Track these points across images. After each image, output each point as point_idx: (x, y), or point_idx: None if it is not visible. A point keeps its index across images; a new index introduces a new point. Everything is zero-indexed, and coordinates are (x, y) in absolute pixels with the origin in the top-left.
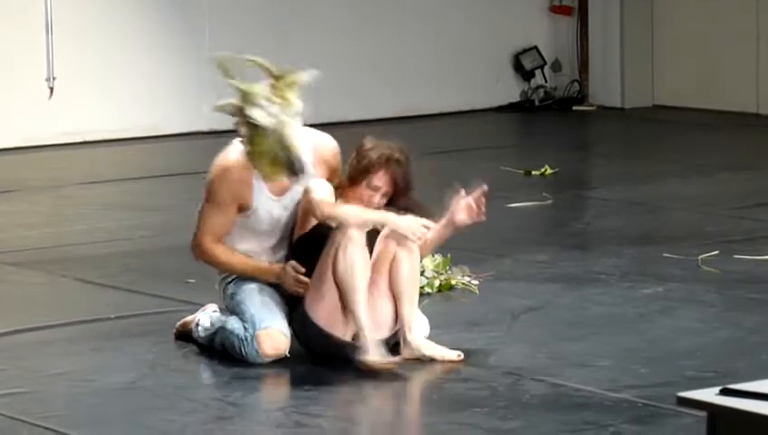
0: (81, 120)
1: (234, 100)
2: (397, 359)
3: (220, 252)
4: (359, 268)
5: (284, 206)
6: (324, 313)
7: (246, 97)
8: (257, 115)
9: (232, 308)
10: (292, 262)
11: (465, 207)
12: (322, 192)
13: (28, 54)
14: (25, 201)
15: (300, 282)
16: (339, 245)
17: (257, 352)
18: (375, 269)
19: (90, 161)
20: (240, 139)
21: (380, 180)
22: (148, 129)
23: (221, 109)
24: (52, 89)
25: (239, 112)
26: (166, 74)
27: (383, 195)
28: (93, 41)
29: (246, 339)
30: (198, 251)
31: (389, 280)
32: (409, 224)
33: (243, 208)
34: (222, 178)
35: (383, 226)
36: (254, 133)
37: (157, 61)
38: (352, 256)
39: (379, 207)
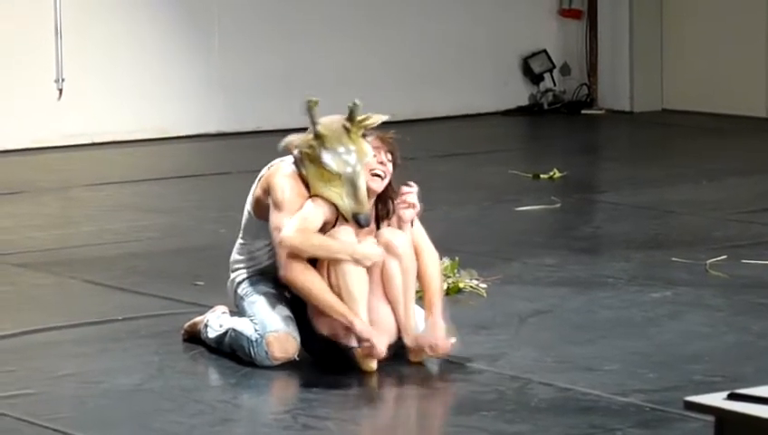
0: (90, 121)
1: (309, 137)
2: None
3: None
4: (353, 276)
5: None
6: (327, 323)
7: (324, 141)
8: (332, 163)
9: (242, 310)
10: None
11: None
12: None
13: (37, 56)
14: (33, 203)
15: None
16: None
17: (266, 355)
18: (369, 276)
19: (98, 163)
20: (295, 170)
21: (376, 142)
22: (156, 131)
23: (289, 145)
24: (60, 90)
25: (310, 155)
26: (174, 76)
27: (388, 159)
28: (102, 43)
29: (256, 341)
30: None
31: (383, 289)
32: (365, 252)
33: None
34: (287, 184)
35: (348, 256)
36: (323, 173)
37: (165, 63)
38: (344, 270)
39: (389, 173)
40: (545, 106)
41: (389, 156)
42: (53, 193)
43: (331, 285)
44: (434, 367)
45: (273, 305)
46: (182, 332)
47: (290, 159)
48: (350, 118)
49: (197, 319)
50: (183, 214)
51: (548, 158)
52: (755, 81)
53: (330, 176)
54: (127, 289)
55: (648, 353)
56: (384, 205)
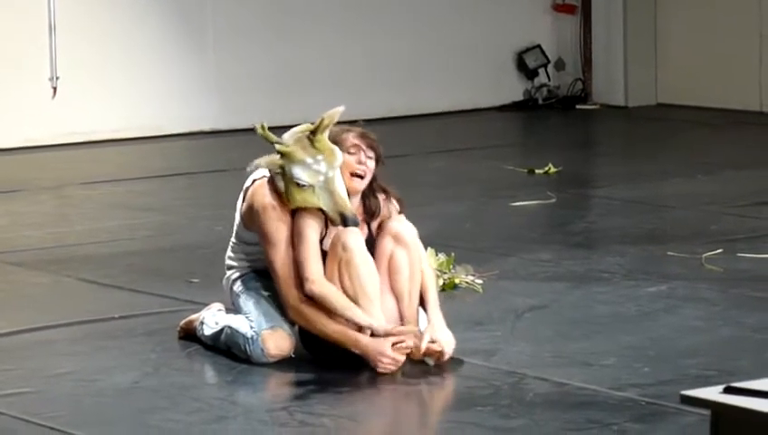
0: (85, 120)
1: (275, 158)
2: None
3: (328, 290)
4: (366, 276)
5: None
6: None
7: (290, 157)
8: (303, 176)
9: (238, 307)
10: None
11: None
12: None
13: (31, 54)
14: (29, 201)
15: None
16: (344, 259)
17: (262, 352)
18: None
19: (93, 161)
20: (271, 188)
21: (356, 140)
22: (151, 129)
23: (266, 164)
24: (55, 89)
25: (282, 171)
26: (169, 74)
27: (369, 156)
28: (97, 41)
29: (252, 338)
30: (311, 290)
31: (389, 280)
32: (377, 348)
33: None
34: (268, 215)
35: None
36: (297, 189)
37: (160, 61)
38: (358, 266)
39: (370, 172)
40: (540, 101)
41: (371, 153)
42: (48, 191)
43: (343, 289)
44: (430, 362)
45: (268, 303)
46: (178, 329)
47: (266, 174)
48: (315, 129)
49: (193, 317)
50: (178, 212)
51: (543, 153)
52: (749, 75)
53: (305, 189)
54: (122, 287)
55: (643, 348)
56: (370, 202)
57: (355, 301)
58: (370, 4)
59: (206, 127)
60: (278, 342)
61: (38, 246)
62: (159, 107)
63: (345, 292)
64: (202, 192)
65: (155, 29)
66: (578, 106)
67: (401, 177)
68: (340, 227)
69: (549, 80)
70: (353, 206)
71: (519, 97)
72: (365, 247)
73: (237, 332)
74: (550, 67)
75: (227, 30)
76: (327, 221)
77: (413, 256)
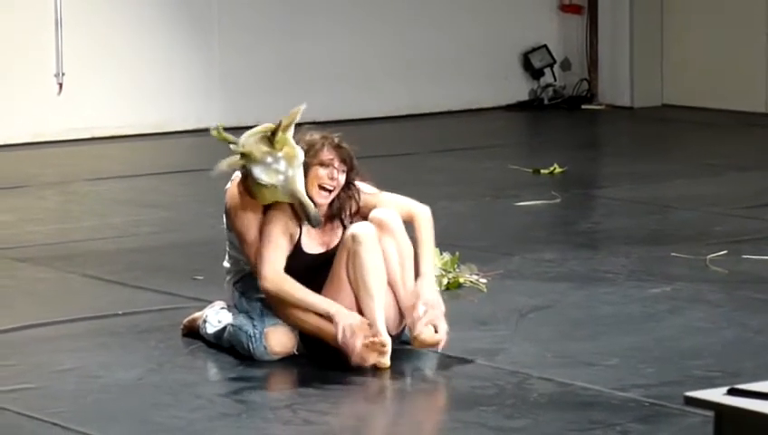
0: (90, 116)
1: (236, 159)
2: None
3: (285, 285)
4: (371, 272)
5: None
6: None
7: (250, 158)
8: (263, 175)
9: (241, 306)
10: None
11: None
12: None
13: (37, 50)
14: (33, 197)
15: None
16: (351, 250)
17: (265, 350)
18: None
19: (98, 157)
20: (244, 186)
21: (330, 153)
22: (156, 125)
23: (227, 166)
24: (61, 85)
25: (244, 170)
26: (174, 71)
27: (341, 170)
28: (102, 37)
29: (255, 336)
30: (267, 288)
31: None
32: (351, 323)
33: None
34: (240, 214)
35: (327, 314)
36: (261, 188)
37: (166, 58)
38: (365, 260)
39: (339, 186)
40: (545, 101)
41: (344, 166)
42: (53, 187)
43: (348, 280)
44: (434, 361)
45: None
46: (181, 327)
47: (233, 186)
48: (275, 129)
49: (196, 314)
50: (183, 208)
51: (548, 153)
52: (755, 76)
53: (269, 187)
54: (127, 284)
55: (647, 349)
56: (333, 202)
57: (356, 293)
58: (376, 3)
59: (211, 124)
60: (281, 339)
61: (43, 241)
62: (165, 103)
63: (350, 283)
64: (207, 189)
65: (161, 26)
66: (583, 106)
67: (406, 175)
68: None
69: (555, 80)
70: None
71: (525, 97)
72: (376, 241)
73: (240, 330)
74: (556, 67)
75: (233, 27)
76: (299, 222)
77: (401, 243)
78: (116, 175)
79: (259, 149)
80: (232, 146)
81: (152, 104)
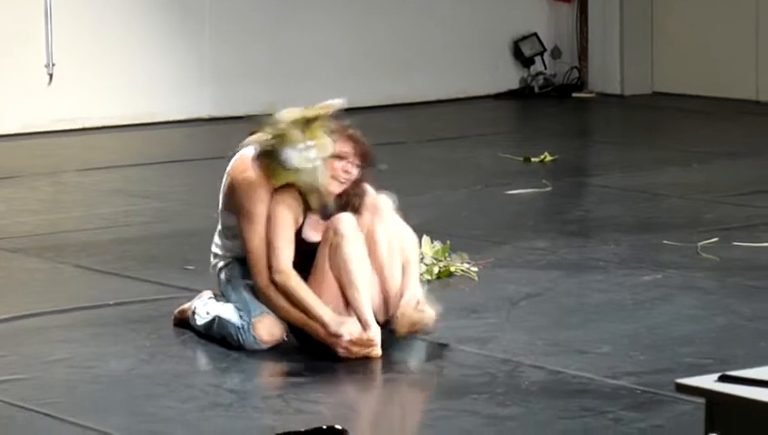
0: (80, 106)
1: (266, 137)
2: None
3: (295, 282)
4: (355, 264)
5: None
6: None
7: (283, 139)
8: (293, 159)
9: (227, 294)
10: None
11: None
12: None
13: (27, 41)
14: (24, 188)
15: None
16: (333, 243)
17: (254, 339)
18: None
19: (89, 148)
20: (259, 162)
21: (346, 146)
22: (147, 116)
23: (254, 142)
24: (51, 75)
25: (272, 149)
26: (165, 61)
27: (356, 165)
28: (93, 27)
29: (243, 327)
30: (282, 281)
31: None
32: (348, 327)
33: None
34: (251, 194)
35: (321, 321)
36: (283, 170)
37: (156, 48)
38: (348, 254)
39: (351, 180)
40: (536, 89)
41: (359, 161)
42: (44, 178)
43: (333, 269)
44: (425, 350)
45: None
46: (172, 318)
47: (250, 150)
48: (312, 117)
49: (185, 306)
50: (173, 199)
51: (539, 141)
52: (745, 64)
53: (290, 171)
54: (117, 274)
55: (638, 336)
56: (346, 204)
57: (341, 286)
58: None
59: (203, 114)
60: (269, 328)
61: (33, 232)
62: (156, 94)
63: (333, 269)
64: (198, 179)
65: (151, 16)
66: (574, 94)
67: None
68: (339, 214)
69: (545, 68)
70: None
71: (515, 85)
72: (358, 234)
73: (228, 322)
74: (546, 55)
75: (224, 17)
76: (305, 209)
77: (391, 231)
78: (106, 165)
79: (294, 132)
80: (271, 127)
81: (143, 95)
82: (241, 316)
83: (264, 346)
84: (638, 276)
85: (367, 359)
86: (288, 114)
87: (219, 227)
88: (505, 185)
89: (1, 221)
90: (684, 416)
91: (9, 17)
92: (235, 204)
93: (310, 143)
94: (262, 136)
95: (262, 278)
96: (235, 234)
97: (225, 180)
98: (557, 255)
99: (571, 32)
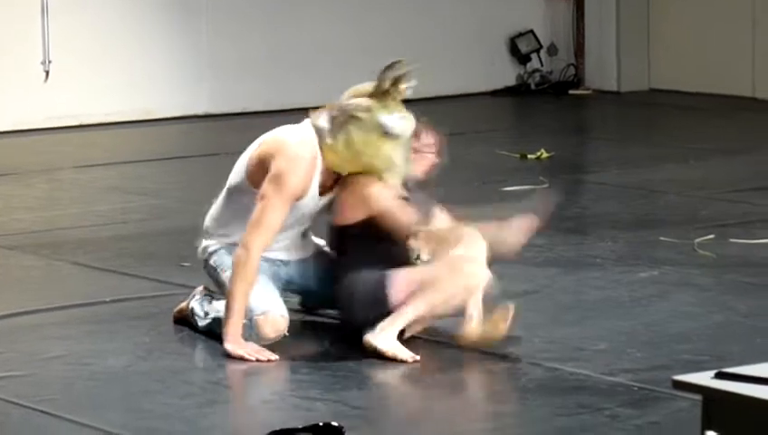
0: (77, 103)
1: (365, 99)
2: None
3: (254, 268)
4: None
5: (320, 205)
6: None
7: (385, 103)
8: (394, 123)
9: (219, 282)
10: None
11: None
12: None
13: (24, 37)
14: (20, 184)
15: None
16: (454, 258)
17: (258, 336)
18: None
19: (85, 145)
20: (312, 145)
21: (430, 136)
22: (144, 112)
23: (350, 98)
24: (47, 72)
25: (364, 116)
26: (161, 58)
27: (436, 152)
28: (89, 24)
29: (246, 326)
30: (245, 258)
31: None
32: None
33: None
34: (298, 168)
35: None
36: (377, 141)
37: (153, 44)
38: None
39: (432, 166)
40: (532, 86)
41: (436, 155)
42: (40, 175)
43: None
44: (422, 348)
45: (258, 285)
46: (172, 317)
47: (303, 129)
48: (394, 83)
49: (182, 305)
50: (170, 195)
51: (535, 138)
52: (742, 60)
53: (381, 141)
54: (114, 271)
55: (635, 333)
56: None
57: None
58: None
59: (200, 111)
60: (273, 325)
61: (30, 229)
62: (152, 91)
63: (434, 275)
64: (195, 176)
65: (148, 12)
66: (570, 91)
67: None
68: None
69: (541, 65)
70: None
71: (511, 82)
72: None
73: None
74: (542, 52)
75: (221, 13)
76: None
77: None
78: (103, 162)
79: (391, 100)
80: (382, 87)
81: (139, 91)
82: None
83: (268, 342)
84: (634, 273)
85: (365, 356)
86: (361, 88)
87: (220, 206)
88: (502, 182)
89: None
90: (681, 413)
91: (6, 14)
92: (273, 167)
93: (405, 114)
94: (358, 100)
95: (254, 247)
96: (241, 207)
97: (259, 148)
98: (554, 252)
99: (567, 29)
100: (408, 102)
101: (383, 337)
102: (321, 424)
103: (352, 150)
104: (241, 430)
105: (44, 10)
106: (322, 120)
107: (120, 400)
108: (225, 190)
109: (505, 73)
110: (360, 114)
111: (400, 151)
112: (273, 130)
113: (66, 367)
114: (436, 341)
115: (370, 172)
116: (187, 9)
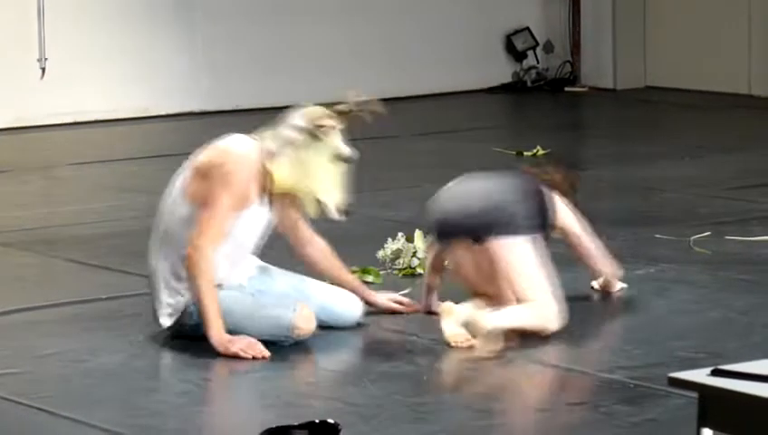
0: (73, 100)
1: (327, 113)
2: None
3: (209, 263)
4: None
5: (264, 223)
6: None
7: (341, 122)
8: (347, 149)
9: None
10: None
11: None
12: None
13: (20, 35)
14: (16, 182)
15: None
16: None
17: (295, 334)
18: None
19: (81, 142)
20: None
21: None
22: (139, 110)
23: (308, 116)
24: (43, 69)
25: (321, 133)
26: (157, 55)
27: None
28: (85, 22)
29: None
30: (197, 257)
31: None
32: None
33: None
34: (245, 168)
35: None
36: (324, 164)
37: (148, 42)
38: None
39: None
40: (528, 83)
41: None
42: (36, 172)
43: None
44: (419, 344)
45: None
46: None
47: (245, 139)
48: (342, 109)
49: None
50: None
51: (531, 135)
52: (738, 57)
53: (328, 163)
54: (110, 268)
55: (632, 330)
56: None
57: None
58: None
59: (195, 108)
60: (308, 318)
61: (25, 226)
62: (148, 88)
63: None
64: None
65: (144, 10)
66: (566, 88)
67: (389, 159)
68: None
69: (537, 62)
70: None
71: (508, 79)
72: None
73: (277, 318)
74: (538, 49)
75: (216, 11)
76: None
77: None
78: (99, 160)
79: (339, 122)
80: (344, 108)
81: (135, 89)
82: (286, 308)
83: (306, 337)
84: (631, 270)
85: (361, 353)
86: (317, 110)
87: (166, 257)
88: None
89: None
90: (677, 410)
91: (2, 11)
92: (217, 171)
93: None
94: (321, 111)
95: (204, 249)
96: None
97: (194, 165)
98: (550, 248)
99: (563, 26)
100: (405, 99)
101: (492, 318)
102: (316, 422)
103: (301, 169)
104: (236, 428)
105: (40, 7)
106: (272, 135)
107: (115, 397)
108: (158, 241)
109: (501, 71)
110: (318, 134)
111: (340, 177)
112: (207, 147)
113: (61, 364)
114: (432, 337)
115: (304, 194)
116: (183, 7)
